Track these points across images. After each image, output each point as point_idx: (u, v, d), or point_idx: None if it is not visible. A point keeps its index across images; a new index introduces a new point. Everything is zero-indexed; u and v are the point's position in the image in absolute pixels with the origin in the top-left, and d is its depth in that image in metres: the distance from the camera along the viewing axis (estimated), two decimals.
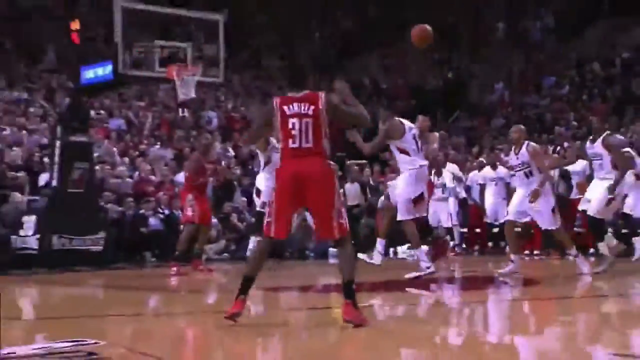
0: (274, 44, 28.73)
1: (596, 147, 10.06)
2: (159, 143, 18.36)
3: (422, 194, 9.44)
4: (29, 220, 13.01)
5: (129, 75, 13.72)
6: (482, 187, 15.77)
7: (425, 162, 9.81)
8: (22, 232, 12.93)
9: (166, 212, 14.79)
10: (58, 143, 13.18)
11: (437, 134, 12.74)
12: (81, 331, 5.51)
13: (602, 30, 23.61)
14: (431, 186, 12.06)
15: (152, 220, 14.46)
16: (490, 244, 15.86)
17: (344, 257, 5.82)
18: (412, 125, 9.70)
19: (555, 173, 13.68)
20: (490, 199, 15.56)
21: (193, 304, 7.83)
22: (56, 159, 13.16)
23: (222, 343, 5.50)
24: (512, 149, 10.37)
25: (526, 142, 10.24)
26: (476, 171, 16.19)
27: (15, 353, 4.65)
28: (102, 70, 13.97)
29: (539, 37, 24.96)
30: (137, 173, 15.92)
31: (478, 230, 16.07)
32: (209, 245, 14.81)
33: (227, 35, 14.85)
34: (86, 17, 17.27)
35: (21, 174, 14.47)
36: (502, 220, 15.02)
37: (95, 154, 14.62)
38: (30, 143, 16.22)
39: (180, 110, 19.61)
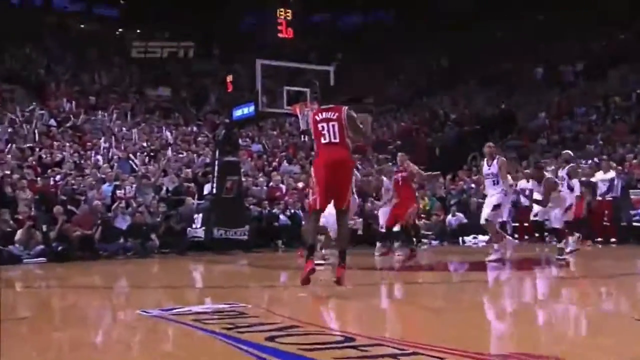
0: (367, 86, 28.71)
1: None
2: (287, 161, 18.49)
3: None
4: (198, 217, 13.41)
5: (266, 112, 13.92)
6: (531, 192, 15.34)
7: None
8: (193, 226, 13.34)
9: (292, 211, 14.72)
10: (217, 162, 13.55)
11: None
12: (234, 296, 5.69)
13: (621, 72, 22.66)
14: None
15: (282, 217, 14.47)
16: (536, 234, 15.35)
17: (342, 228, 6.02)
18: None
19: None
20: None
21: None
22: (215, 173, 13.51)
23: (330, 304, 5.54)
24: (485, 160, 9.82)
25: (497, 156, 9.77)
26: (524, 180, 15.79)
27: (190, 310, 4.86)
28: (247, 109, 14.30)
29: (572, 77, 24.08)
30: (271, 183, 16.03)
31: (526, 224, 15.66)
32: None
33: (336, 81, 15.01)
34: (237, 73, 17.95)
35: (192, 184, 14.98)
36: (542, 219, 14.71)
37: (242, 170, 14.82)
38: (198, 163, 16.84)
39: (302, 136, 19.88)
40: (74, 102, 20.78)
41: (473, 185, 16.49)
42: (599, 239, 13.84)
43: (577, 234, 11.19)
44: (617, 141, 18.41)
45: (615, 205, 13.84)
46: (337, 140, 5.84)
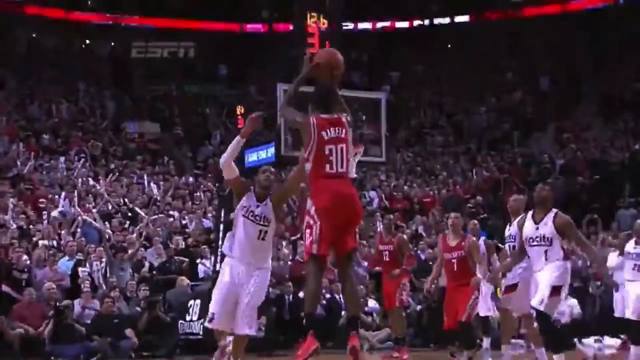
0: (437, 120, 28.66)
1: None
2: None
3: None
4: (194, 305, 13.20)
5: (291, 157, 13.75)
6: None
7: None
8: (187, 317, 13.19)
9: (328, 296, 14.67)
10: (221, 227, 13.30)
11: None
12: None
13: None
14: None
15: None
16: None
17: (349, 281, 6.10)
18: None
19: None
20: None
21: None
22: (220, 242, 13.17)
23: None
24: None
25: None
26: None
27: None
28: (265, 153, 14.36)
29: None
30: (297, 257, 15.90)
31: None
32: (373, 332, 14.62)
33: (389, 112, 15.01)
34: (252, 102, 18.04)
35: (186, 259, 14.85)
36: None
37: None
38: (195, 228, 16.83)
39: None
40: (20, 143, 20.99)
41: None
42: None
43: None
44: None
45: None
46: (344, 170, 6.04)
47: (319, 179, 5.93)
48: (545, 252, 8.21)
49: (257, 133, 17.19)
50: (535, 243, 8.30)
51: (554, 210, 8.34)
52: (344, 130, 6.03)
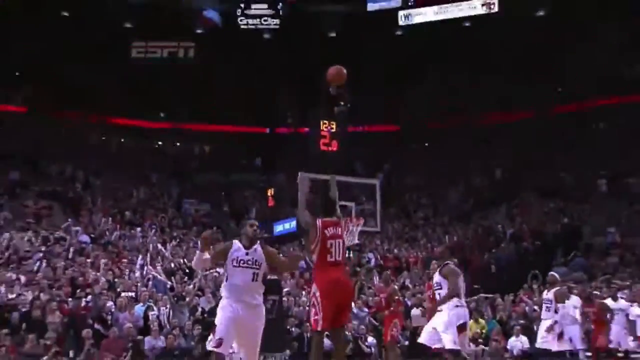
0: (420, 199, 28.76)
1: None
2: None
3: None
4: None
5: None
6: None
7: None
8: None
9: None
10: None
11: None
12: None
13: None
14: None
15: (327, 341, 14.07)
16: None
17: (341, 345, 6.49)
18: None
19: None
20: (612, 328, 14.47)
21: None
22: None
23: None
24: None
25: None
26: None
27: None
28: (289, 225, 14.53)
29: None
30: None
31: (603, 354, 14.83)
32: None
33: (382, 193, 15.12)
34: (280, 186, 18.35)
35: None
36: (623, 347, 14.06)
37: (284, 289, 14.62)
38: None
39: (347, 252, 19.69)
40: (109, 218, 21.36)
41: (536, 308, 15.91)
42: None
43: None
44: None
45: None
46: (341, 259, 6.26)
47: (322, 267, 6.17)
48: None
49: (283, 209, 17.41)
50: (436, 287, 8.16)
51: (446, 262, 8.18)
52: (340, 229, 6.33)
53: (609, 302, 14.44)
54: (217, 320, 6.39)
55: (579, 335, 13.74)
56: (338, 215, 6.57)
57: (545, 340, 11.17)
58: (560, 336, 11.25)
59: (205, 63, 28.61)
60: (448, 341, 7.42)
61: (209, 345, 6.45)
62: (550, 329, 11.00)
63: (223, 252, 6.43)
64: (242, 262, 6.31)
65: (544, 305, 11.09)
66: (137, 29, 28.16)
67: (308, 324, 6.52)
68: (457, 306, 7.75)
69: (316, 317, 6.04)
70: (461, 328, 7.64)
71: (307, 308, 6.64)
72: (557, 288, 11.58)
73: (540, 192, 26.40)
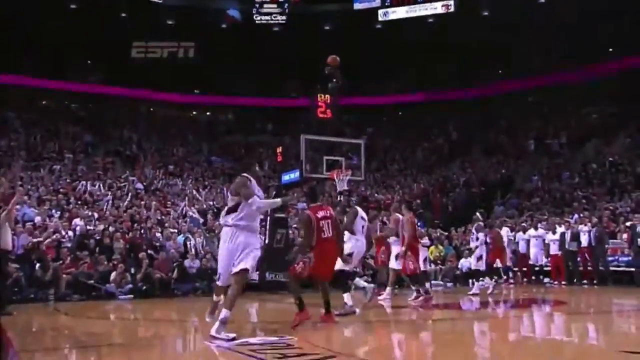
0: (394, 155, 28.80)
1: None
2: None
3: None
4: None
5: (309, 177, 13.78)
6: (527, 241, 15.04)
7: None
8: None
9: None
10: (268, 218, 13.33)
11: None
12: (283, 331, 5.63)
13: (595, 145, 22.61)
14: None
15: None
16: (533, 277, 15.00)
17: (325, 287, 6.31)
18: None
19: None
20: (532, 249, 14.87)
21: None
22: (268, 227, 13.31)
23: (361, 337, 5.48)
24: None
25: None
26: (521, 232, 15.51)
27: (247, 342, 4.83)
28: (294, 175, 14.43)
29: (558, 148, 23.95)
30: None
31: (525, 269, 15.31)
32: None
33: (366, 151, 15.15)
34: (287, 145, 18.39)
35: None
36: (539, 263, 14.54)
37: (289, 224, 14.66)
38: None
39: (338, 196, 19.75)
40: (157, 170, 21.44)
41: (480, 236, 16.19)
42: (585, 281, 13.60)
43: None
44: (596, 200, 18.14)
45: (595, 253, 13.67)
46: (331, 235, 6.17)
47: (318, 242, 6.13)
48: None
49: (289, 163, 17.47)
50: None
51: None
52: (327, 211, 6.29)
53: (531, 231, 14.89)
54: (220, 254, 5.67)
55: (508, 256, 14.21)
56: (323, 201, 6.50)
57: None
58: (480, 258, 11.49)
59: (227, 52, 28.10)
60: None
61: (299, 269, 6.17)
62: (479, 257, 11.17)
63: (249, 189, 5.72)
64: (259, 196, 5.77)
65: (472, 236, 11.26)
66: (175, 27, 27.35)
67: (291, 269, 6.19)
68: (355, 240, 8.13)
69: (301, 271, 6.04)
70: (351, 255, 7.92)
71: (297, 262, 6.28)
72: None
73: (485, 151, 26.51)
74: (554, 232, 14.57)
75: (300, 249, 6.88)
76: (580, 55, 25.04)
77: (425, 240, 13.17)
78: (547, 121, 25.86)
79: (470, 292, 11.14)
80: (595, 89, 24.69)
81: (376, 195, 22.21)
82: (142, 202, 16.58)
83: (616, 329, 6.27)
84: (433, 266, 15.23)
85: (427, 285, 10.38)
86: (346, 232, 7.94)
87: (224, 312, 5.18)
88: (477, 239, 11.84)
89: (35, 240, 11.67)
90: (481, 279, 11.80)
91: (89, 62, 28.51)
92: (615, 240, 14.14)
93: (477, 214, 13.08)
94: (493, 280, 11.63)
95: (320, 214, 6.20)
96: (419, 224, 18.20)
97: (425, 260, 12.37)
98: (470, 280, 13.03)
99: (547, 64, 26.73)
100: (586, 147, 22.87)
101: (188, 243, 13.56)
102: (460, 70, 28.22)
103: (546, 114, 26.37)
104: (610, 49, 25.72)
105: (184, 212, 16.49)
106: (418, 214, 20.77)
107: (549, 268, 14.68)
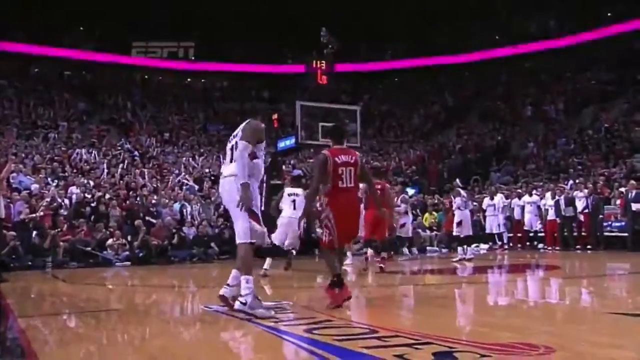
0: (391, 122, 28.68)
1: None
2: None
3: None
4: None
5: (304, 144, 13.87)
6: (522, 207, 15.10)
7: None
8: None
9: None
10: (264, 185, 13.74)
11: None
12: (279, 295, 5.66)
13: (592, 112, 22.42)
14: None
15: (318, 230, 14.01)
16: (527, 243, 15.13)
17: (343, 254, 5.48)
18: None
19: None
20: (527, 215, 14.94)
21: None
22: (264, 193, 13.42)
23: (357, 302, 5.45)
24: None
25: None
26: (517, 198, 15.55)
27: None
28: (289, 141, 14.38)
29: (554, 115, 23.81)
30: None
31: (519, 234, 15.42)
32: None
33: (362, 118, 15.10)
34: (282, 112, 18.23)
35: None
36: (534, 229, 14.62)
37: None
38: None
39: None
40: (152, 138, 21.28)
41: (475, 203, 16.25)
42: (579, 246, 13.68)
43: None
44: (591, 166, 18.12)
45: (591, 221, 13.75)
46: (352, 185, 4.96)
47: (335, 192, 4.92)
48: None
49: (285, 130, 17.32)
50: None
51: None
52: (351, 157, 4.99)
53: (526, 197, 14.95)
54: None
55: (501, 222, 14.28)
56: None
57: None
58: (459, 224, 11.08)
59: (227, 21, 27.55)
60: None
61: (326, 238, 4.95)
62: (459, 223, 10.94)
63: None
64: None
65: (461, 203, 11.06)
66: None
67: (321, 243, 5.00)
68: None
69: (330, 238, 4.88)
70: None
71: (319, 229, 5.65)
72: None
73: (481, 117, 26.38)
74: (542, 198, 14.68)
75: (307, 198, 5.48)
76: (578, 21, 24.72)
77: (401, 207, 13.08)
78: (544, 88, 25.67)
79: (455, 259, 11.05)
80: (593, 55, 24.48)
81: (372, 161, 22.15)
82: (137, 170, 16.48)
83: (606, 292, 6.33)
84: (428, 232, 15.33)
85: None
86: None
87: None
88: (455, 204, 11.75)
89: (33, 214, 11.46)
90: (474, 245, 11.87)
91: (81, 28, 27.97)
92: (609, 206, 14.19)
93: (457, 180, 13.09)
94: (488, 245, 11.71)
95: (342, 158, 4.93)
96: (413, 190, 18.27)
97: (403, 226, 12.61)
98: (460, 248, 13.08)
99: (545, 30, 26.45)
100: (583, 113, 22.78)
101: (184, 210, 13.62)
102: (456, 36, 27.91)
103: (543, 80, 26.18)
104: (609, 14, 25.35)
105: (179, 180, 16.44)
106: (413, 180, 20.91)
107: (543, 234, 14.79)
